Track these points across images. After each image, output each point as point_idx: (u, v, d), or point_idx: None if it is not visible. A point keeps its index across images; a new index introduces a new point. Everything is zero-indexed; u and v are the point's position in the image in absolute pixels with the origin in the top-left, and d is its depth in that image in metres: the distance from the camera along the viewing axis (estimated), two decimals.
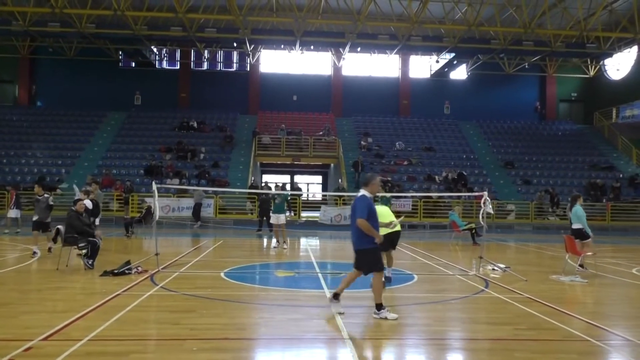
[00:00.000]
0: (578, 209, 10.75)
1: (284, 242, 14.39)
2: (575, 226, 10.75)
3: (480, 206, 10.35)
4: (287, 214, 14.42)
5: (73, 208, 10.31)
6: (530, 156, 30.71)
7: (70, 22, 24.79)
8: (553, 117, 36.19)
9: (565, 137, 33.43)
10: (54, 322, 5.85)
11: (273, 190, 17.84)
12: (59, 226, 10.29)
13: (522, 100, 36.18)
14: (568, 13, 25.45)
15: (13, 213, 17.30)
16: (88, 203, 11.91)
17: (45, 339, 5.30)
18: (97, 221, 12.26)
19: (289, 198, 15.00)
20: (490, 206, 10.22)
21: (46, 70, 34.57)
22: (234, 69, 35.96)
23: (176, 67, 35.59)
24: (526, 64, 32.68)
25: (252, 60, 33.90)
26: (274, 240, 14.56)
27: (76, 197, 14.74)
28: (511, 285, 8.93)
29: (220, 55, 35.79)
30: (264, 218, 18.54)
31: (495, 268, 10.58)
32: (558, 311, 7.04)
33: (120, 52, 33.49)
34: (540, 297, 7.91)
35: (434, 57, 33.64)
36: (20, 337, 5.29)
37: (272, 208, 14.17)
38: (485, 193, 10.23)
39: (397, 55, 33.74)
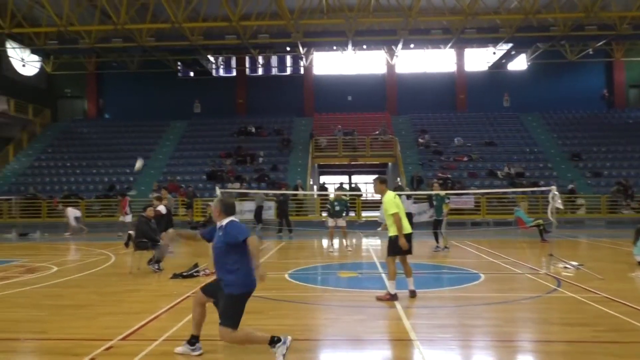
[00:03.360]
0: None
1: (348, 244, 14.39)
2: None
3: (548, 201, 9.95)
4: (345, 214, 14.34)
5: (143, 214, 10.76)
6: (599, 147, 29.14)
7: (132, 36, 25.95)
8: (622, 104, 34.20)
9: (637, 125, 31.46)
10: (131, 323, 6.13)
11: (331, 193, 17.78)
12: (130, 232, 10.77)
13: (588, 88, 34.41)
14: None
15: (128, 218, 18.75)
16: (162, 208, 12.39)
17: (123, 338, 5.56)
18: (170, 230, 12.62)
19: (348, 204, 14.97)
20: (560, 201, 9.78)
21: (111, 84, 36.38)
22: (288, 73, 36.43)
23: (232, 74, 36.49)
24: (590, 49, 31.00)
25: (306, 63, 34.21)
26: (336, 241, 14.61)
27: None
28: (586, 283, 8.50)
29: (274, 60, 36.35)
30: (283, 220, 19.56)
31: (568, 266, 10.12)
32: None
33: (179, 63, 34.72)
34: (620, 296, 7.47)
35: (491, 49, 32.60)
36: (101, 337, 5.58)
37: (331, 211, 14.13)
38: (554, 187, 9.81)
39: (452, 49, 32.98)
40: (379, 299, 7.35)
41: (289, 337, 4.82)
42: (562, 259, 10.42)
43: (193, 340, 5.05)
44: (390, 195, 7.54)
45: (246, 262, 4.74)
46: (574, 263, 10.25)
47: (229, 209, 4.99)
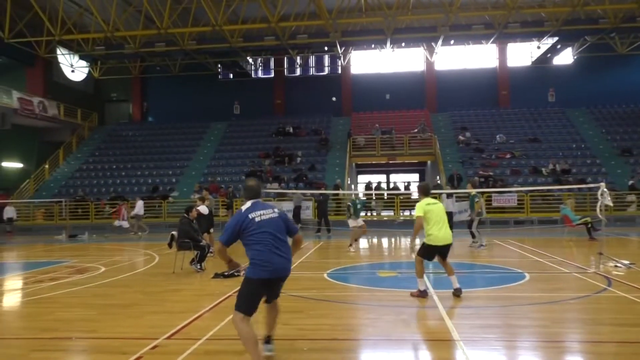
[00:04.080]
0: None
1: (352, 244, 14.14)
2: None
3: (596, 198, 9.59)
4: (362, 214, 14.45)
5: (185, 215, 10.98)
6: None
7: (174, 40, 26.61)
8: None
9: None
10: (175, 322, 6.27)
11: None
12: (173, 232, 11.02)
13: (638, 81, 32.95)
14: None
15: (126, 224, 19.35)
16: (204, 209, 12.62)
17: (168, 337, 5.69)
18: (211, 229, 12.91)
19: (365, 203, 15.16)
20: (609, 198, 9.41)
21: (155, 88, 37.39)
22: (325, 73, 36.50)
23: (271, 76, 36.85)
24: None
25: (344, 62, 34.17)
26: (360, 241, 14.69)
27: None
28: (638, 283, 8.16)
29: (312, 60, 36.49)
30: (322, 219, 19.83)
31: (618, 264, 9.73)
32: None
33: (219, 65, 35.35)
34: None
35: (535, 43, 31.69)
36: (147, 336, 5.73)
37: (352, 213, 14.08)
38: (603, 184, 9.45)
39: (494, 45, 32.24)
40: (412, 295, 7.50)
41: None
42: (613, 258, 10.02)
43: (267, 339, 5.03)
44: (422, 201, 7.46)
45: (260, 250, 4.54)
46: (625, 262, 9.84)
47: (246, 192, 4.89)
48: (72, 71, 33.38)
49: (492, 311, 6.88)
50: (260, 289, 4.61)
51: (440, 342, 5.53)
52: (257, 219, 4.63)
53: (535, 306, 7.02)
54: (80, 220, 24.85)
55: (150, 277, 10.03)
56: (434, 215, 7.31)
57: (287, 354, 5.10)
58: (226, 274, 9.68)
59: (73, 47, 29.38)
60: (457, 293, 7.40)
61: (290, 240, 4.86)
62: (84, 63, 33.73)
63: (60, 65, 32.92)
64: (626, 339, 5.44)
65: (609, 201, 9.45)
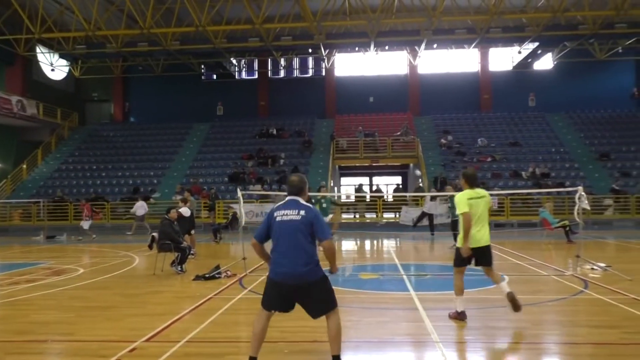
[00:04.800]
0: None
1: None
2: None
3: (574, 202, 9.74)
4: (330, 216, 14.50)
5: (166, 216, 10.89)
6: (628, 146, 28.42)
7: (157, 40, 26.37)
8: None
9: None
10: (155, 324, 6.21)
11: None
12: (154, 233, 10.92)
13: (617, 87, 33.61)
14: None
15: (86, 224, 19.18)
16: (185, 210, 12.54)
17: (147, 340, 5.63)
18: (192, 231, 12.85)
19: (333, 199, 15.20)
20: (586, 201, 9.57)
21: (137, 88, 37.01)
22: (309, 75, 36.55)
23: (255, 77, 36.77)
24: (619, 48, 30.33)
25: (327, 64, 34.24)
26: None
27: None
28: (614, 285, 8.31)
29: (296, 62, 36.51)
30: None
31: (595, 267, 9.90)
32: None
33: (202, 66, 35.15)
34: None
35: (516, 48, 32.14)
36: (125, 339, 5.66)
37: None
38: (580, 188, 9.61)
39: (476, 49, 32.62)
40: (450, 317, 6.45)
41: None
42: (590, 260, 10.19)
43: None
44: (464, 193, 6.32)
45: (275, 252, 4.53)
46: (602, 264, 10.01)
47: (287, 187, 4.77)
48: (52, 70, 32.87)
49: (471, 313, 6.92)
50: (275, 289, 4.56)
51: (420, 344, 5.56)
52: (278, 219, 4.53)
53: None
54: (58, 222, 24.44)
55: (130, 279, 9.91)
56: (474, 210, 6.20)
57: (268, 356, 5.08)
58: (207, 276, 9.62)
59: (53, 46, 28.95)
60: (510, 297, 6.18)
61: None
62: (64, 62, 33.23)
63: (40, 63, 32.40)
64: (602, 340, 5.54)
65: (586, 205, 9.60)
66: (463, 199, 6.19)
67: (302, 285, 4.47)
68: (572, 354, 5.24)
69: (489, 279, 6.52)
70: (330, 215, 14.28)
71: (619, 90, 33.56)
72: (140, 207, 21.15)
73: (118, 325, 6.37)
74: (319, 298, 4.55)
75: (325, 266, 4.72)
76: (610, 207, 23.74)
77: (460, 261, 6.34)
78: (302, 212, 4.50)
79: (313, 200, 14.27)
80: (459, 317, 6.32)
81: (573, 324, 6.34)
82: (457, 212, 6.23)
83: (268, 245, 4.68)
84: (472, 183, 6.37)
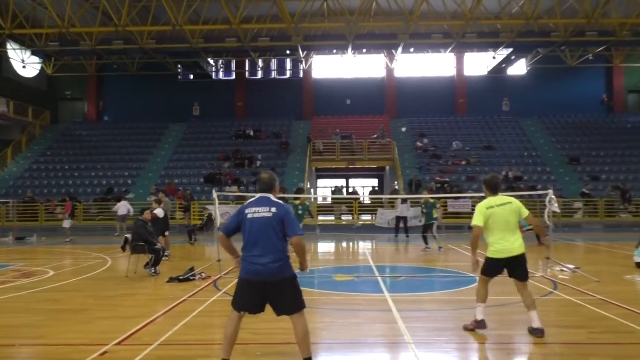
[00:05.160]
0: None
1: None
2: None
3: (545, 205, 9.96)
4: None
5: (140, 217, 10.75)
6: (597, 151, 29.18)
7: (133, 38, 26.00)
8: (621, 109, 34.28)
9: (636, 130, 31.50)
10: (127, 327, 6.13)
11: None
12: (127, 235, 10.76)
13: (587, 93, 34.48)
14: (634, 0, 24.06)
15: (67, 223, 18.72)
16: (160, 212, 12.39)
17: (119, 343, 5.56)
18: (166, 232, 12.71)
19: (309, 208, 15.34)
20: (556, 204, 9.79)
21: (112, 87, 36.42)
22: (287, 76, 36.52)
23: (232, 77, 36.56)
24: (590, 55, 31.13)
25: (305, 66, 34.27)
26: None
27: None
28: (582, 286, 8.53)
29: (273, 63, 36.44)
30: None
31: (564, 269, 10.14)
32: (636, 313, 6.66)
33: (179, 66, 34.81)
34: (615, 298, 7.50)
35: (491, 54, 32.72)
36: (96, 342, 5.57)
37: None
38: (551, 191, 9.83)
39: (452, 54, 33.07)
40: (465, 328, 5.99)
41: None
42: (559, 262, 10.43)
43: None
44: (484, 202, 5.89)
45: (245, 249, 4.57)
46: (571, 266, 10.26)
47: (257, 184, 4.88)
48: (24, 67, 32.14)
49: (444, 314, 7.05)
50: (246, 287, 4.58)
51: (393, 345, 5.62)
52: (249, 216, 4.55)
53: (486, 309, 7.19)
54: (28, 222, 23.91)
55: (102, 281, 9.75)
56: (497, 219, 5.74)
57: (240, 358, 5.06)
58: (181, 277, 9.53)
59: (25, 42, 28.23)
60: (536, 333, 5.66)
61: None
62: (36, 59, 32.49)
63: (11, 60, 31.63)
64: (570, 340, 5.69)
65: (556, 208, 9.82)
66: (481, 209, 5.81)
67: (273, 282, 4.49)
68: (541, 353, 5.36)
69: (461, 279, 6.61)
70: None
71: (589, 96, 34.43)
72: (122, 206, 20.71)
73: (89, 328, 6.26)
74: (288, 296, 4.59)
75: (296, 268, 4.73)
76: (580, 210, 24.32)
77: (487, 270, 5.97)
78: (274, 209, 4.52)
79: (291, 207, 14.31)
80: (478, 326, 5.88)
81: (543, 324, 6.47)
82: (472, 222, 5.83)
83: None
84: (493, 190, 5.94)
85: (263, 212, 4.52)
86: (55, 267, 11.74)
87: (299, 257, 4.71)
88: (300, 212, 14.22)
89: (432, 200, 14.46)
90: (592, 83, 34.72)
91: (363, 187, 33.98)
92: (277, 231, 4.49)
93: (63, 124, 35.08)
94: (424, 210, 14.44)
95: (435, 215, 14.36)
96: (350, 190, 30.65)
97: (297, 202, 14.89)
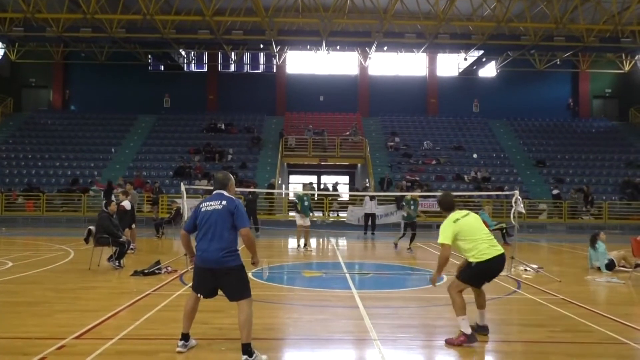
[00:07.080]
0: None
1: (308, 244, 14.28)
2: None
3: (511, 205, 10.13)
4: (310, 212, 14.56)
5: (105, 209, 10.49)
6: (563, 154, 29.96)
7: (102, 27, 25.31)
8: (587, 114, 35.23)
9: (600, 134, 32.49)
10: (87, 321, 5.96)
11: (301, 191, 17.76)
12: (91, 227, 10.48)
13: (554, 97, 35.33)
14: (602, 7, 24.72)
15: None
16: (127, 204, 12.14)
17: (77, 337, 5.39)
18: (133, 225, 12.45)
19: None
20: (522, 205, 9.97)
21: (79, 75, 35.43)
22: (260, 71, 36.22)
23: (204, 70, 36.04)
24: (558, 60, 31.91)
25: (279, 61, 34.07)
26: (301, 241, 14.44)
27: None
28: (544, 286, 8.71)
29: (247, 57, 36.10)
30: (251, 218, 19.05)
31: (528, 269, 10.33)
32: (594, 313, 6.83)
33: (150, 56, 34.10)
34: (575, 298, 7.69)
35: (462, 55, 33.16)
36: (54, 336, 5.40)
37: (299, 209, 14.09)
38: (517, 192, 10.00)
39: (424, 54, 33.39)
40: (447, 343, 5.45)
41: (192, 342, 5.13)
42: (523, 262, 10.63)
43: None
44: (447, 219, 5.64)
45: (198, 239, 4.92)
46: (534, 266, 10.47)
47: (214, 184, 5.20)
48: None
49: (410, 311, 7.09)
50: (198, 273, 4.98)
51: (358, 341, 5.62)
52: (203, 209, 4.93)
53: (451, 307, 7.27)
54: None
55: (63, 274, 9.47)
56: (467, 228, 5.54)
57: (205, 353, 4.98)
58: (146, 271, 9.34)
59: None
60: (482, 331, 5.72)
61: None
62: None
63: None
64: (532, 338, 5.79)
65: (522, 208, 10.00)
66: (448, 225, 5.54)
67: (220, 270, 4.82)
68: (503, 351, 5.45)
69: (428, 277, 6.61)
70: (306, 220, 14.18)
71: (556, 100, 35.29)
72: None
73: (46, 321, 6.07)
74: (234, 284, 4.89)
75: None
76: (545, 212, 24.92)
77: (473, 278, 5.62)
78: (224, 202, 4.89)
79: (296, 199, 14.30)
80: (470, 340, 5.35)
81: (505, 322, 6.60)
82: (439, 240, 5.55)
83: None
84: (449, 209, 5.75)
85: (215, 205, 4.90)
86: (15, 258, 11.36)
87: (250, 250, 5.04)
88: (306, 203, 14.12)
89: (408, 197, 14.56)
90: (559, 88, 35.60)
91: (336, 183, 33.95)
92: (226, 222, 4.82)
93: (27, 112, 33.93)
94: (412, 208, 14.30)
95: (416, 213, 14.43)
96: (322, 187, 30.65)
97: (302, 193, 14.73)
